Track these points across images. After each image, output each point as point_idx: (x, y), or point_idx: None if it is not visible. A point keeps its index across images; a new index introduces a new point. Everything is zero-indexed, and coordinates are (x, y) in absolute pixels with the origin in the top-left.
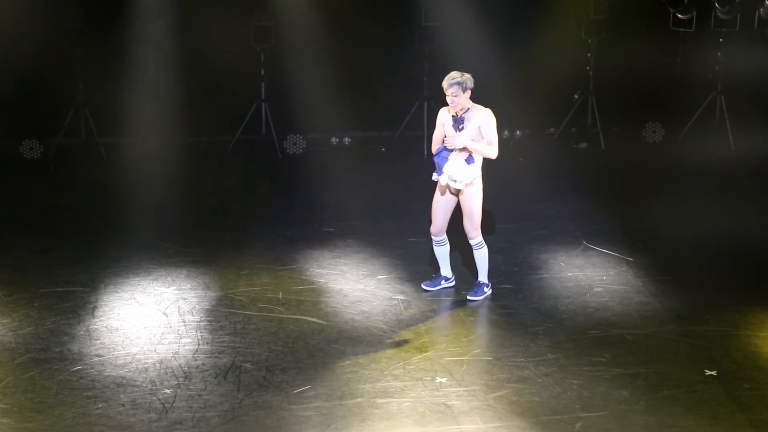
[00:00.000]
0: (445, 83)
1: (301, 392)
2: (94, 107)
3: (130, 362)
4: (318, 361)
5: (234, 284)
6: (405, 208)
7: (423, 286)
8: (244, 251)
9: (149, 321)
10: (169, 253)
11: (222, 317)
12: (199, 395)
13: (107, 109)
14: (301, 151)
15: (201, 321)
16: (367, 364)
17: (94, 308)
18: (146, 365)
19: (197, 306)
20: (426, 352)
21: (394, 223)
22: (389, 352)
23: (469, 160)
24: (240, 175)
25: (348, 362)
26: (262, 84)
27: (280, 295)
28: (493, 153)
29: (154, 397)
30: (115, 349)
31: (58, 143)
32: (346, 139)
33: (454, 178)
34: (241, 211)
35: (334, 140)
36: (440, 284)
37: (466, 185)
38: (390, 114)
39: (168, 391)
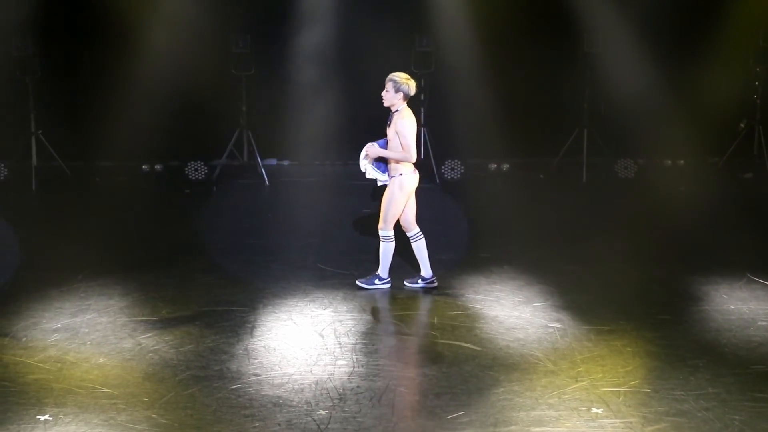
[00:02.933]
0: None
1: (455, 418)
2: (257, 130)
3: (287, 382)
4: (472, 388)
5: (389, 308)
6: (562, 235)
7: (405, 284)
8: (399, 275)
9: (306, 342)
10: (326, 275)
11: (377, 340)
12: (354, 417)
13: (270, 132)
14: (459, 176)
15: (356, 343)
16: (522, 392)
17: (253, 328)
18: (302, 386)
19: (353, 328)
20: (582, 381)
21: (551, 250)
22: (544, 380)
23: (380, 166)
24: None
25: (502, 389)
26: (422, 109)
27: (435, 320)
28: (406, 157)
29: (310, 418)
30: (272, 368)
31: (222, 165)
32: (505, 165)
33: (368, 174)
34: (397, 236)
35: (492, 166)
36: (418, 282)
37: (380, 181)
38: (549, 140)
39: (323, 412)
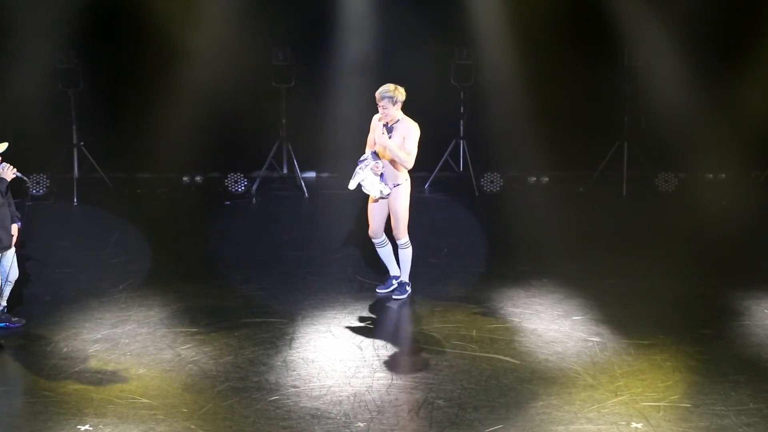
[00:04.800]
0: (377, 95)
1: (494, 431)
2: (296, 142)
3: (325, 394)
4: (510, 401)
5: (428, 320)
6: (602, 249)
7: (377, 291)
8: (437, 288)
9: (344, 354)
10: (364, 288)
11: (415, 353)
12: (392, 430)
13: (309, 144)
14: (498, 188)
15: (395, 356)
16: (561, 405)
17: (292, 339)
18: (341, 398)
19: (391, 341)
20: (621, 396)
21: (590, 263)
22: (583, 394)
23: (383, 178)
24: (436, 212)
25: (541, 403)
26: (461, 121)
27: (474, 332)
28: (408, 163)
29: (348, 430)
30: (310, 380)
31: (262, 177)
32: (544, 178)
33: (367, 189)
34: (436, 248)
35: (531, 179)
36: (393, 284)
37: (382, 193)
38: (589, 154)
39: (361, 424)
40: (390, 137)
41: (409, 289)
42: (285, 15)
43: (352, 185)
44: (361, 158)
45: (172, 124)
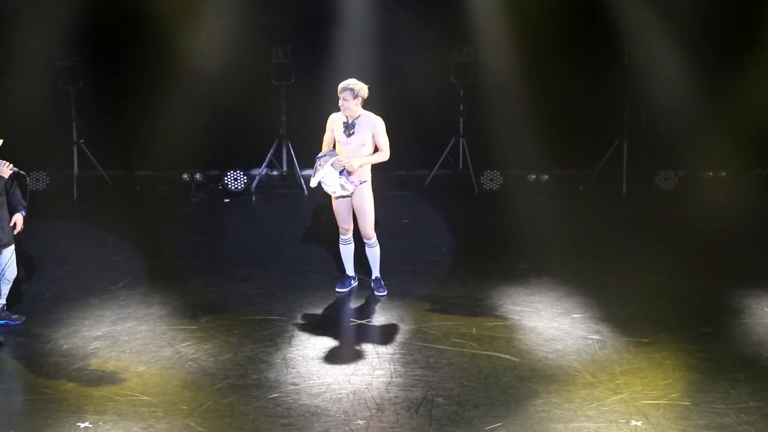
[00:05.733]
0: (340, 86)
1: (493, 429)
2: (296, 140)
3: (325, 392)
4: (510, 399)
5: (427, 318)
6: (601, 247)
7: (336, 290)
8: (437, 285)
9: (344, 351)
10: (364, 285)
11: (415, 351)
12: (391, 428)
13: (309, 142)
14: (497, 187)
15: (394, 353)
16: (560, 403)
17: (291, 337)
18: (340, 395)
19: (390, 338)
20: (621, 393)
21: (590, 261)
22: (583, 392)
23: (343, 173)
24: (437, 210)
25: (540, 401)
26: (461, 119)
27: (474, 330)
28: (385, 157)
29: (348, 428)
30: (310, 378)
31: (261, 174)
32: (544, 176)
33: (327, 185)
34: (437, 246)
35: (531, 177)
36: (351, 284)
37: (345, 191)
38: (589, 152)
39: (361, 422)
40: (352, 133)
41: (383, 283)
42: (285, 12)
43: (313, 183)
44: (319, 155)
45: (172, 122)
